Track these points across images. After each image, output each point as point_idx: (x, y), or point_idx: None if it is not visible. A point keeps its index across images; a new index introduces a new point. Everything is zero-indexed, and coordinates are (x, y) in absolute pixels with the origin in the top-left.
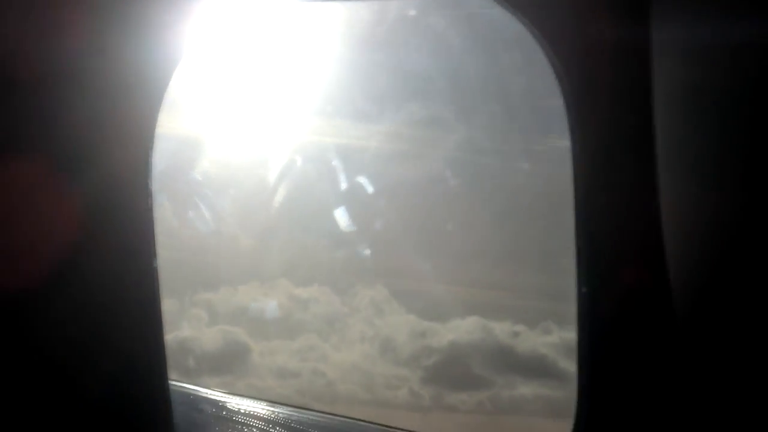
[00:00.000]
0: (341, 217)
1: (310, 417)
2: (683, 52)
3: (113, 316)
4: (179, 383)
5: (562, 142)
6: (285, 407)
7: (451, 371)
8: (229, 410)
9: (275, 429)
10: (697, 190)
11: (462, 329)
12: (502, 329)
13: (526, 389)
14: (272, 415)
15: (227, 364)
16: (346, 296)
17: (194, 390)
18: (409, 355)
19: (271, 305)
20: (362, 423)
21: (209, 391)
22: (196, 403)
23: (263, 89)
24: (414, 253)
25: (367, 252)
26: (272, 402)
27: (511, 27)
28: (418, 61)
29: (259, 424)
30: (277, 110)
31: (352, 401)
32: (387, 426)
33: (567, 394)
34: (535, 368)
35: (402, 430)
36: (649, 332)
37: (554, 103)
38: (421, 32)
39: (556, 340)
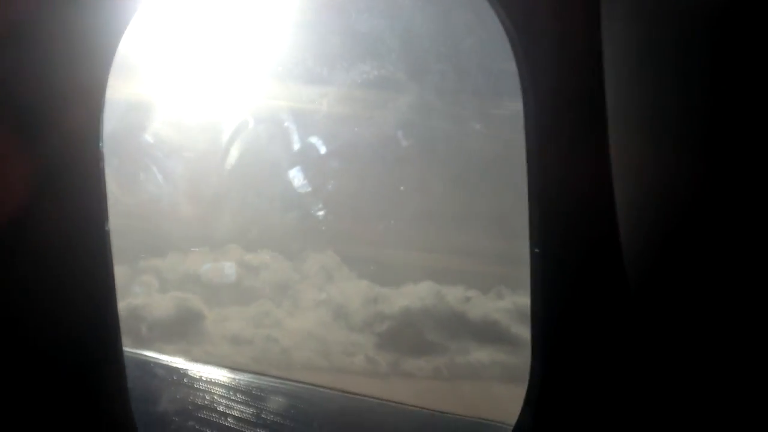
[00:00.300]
0: (292, 180)
1: (271, 383)
2: (633, 11)
3: (65, 280)
4: (135, 350)
5: (515, 105)
6: (245, 374)
7: (405, 337)
8: (189, 377)
9: (235, 395)
10: (648, 150)
11: (414, 295)
12: (454, 294)
13: (481, 355)
14: (232, 382)
15: (180, 331)
16: (297, 261)
17: (153, 357)
18: (362, 321)
19: (222, 271)
20: (322, 389)
21: (168, 358)
22: (152, 370)
23: (214, 51)
24: (366, 217)
25: (319, 216)
26: (232, 368)
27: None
28: (369, 21)
29: (219, 390)
30: (228, 72)
31: (308, 368)
32: (346, 392)
33: (521, 359)
34: (488, 334)
35: (361, 395)
36: (602, 293)
37: (507, 66)
38: None
39: (509, 305)
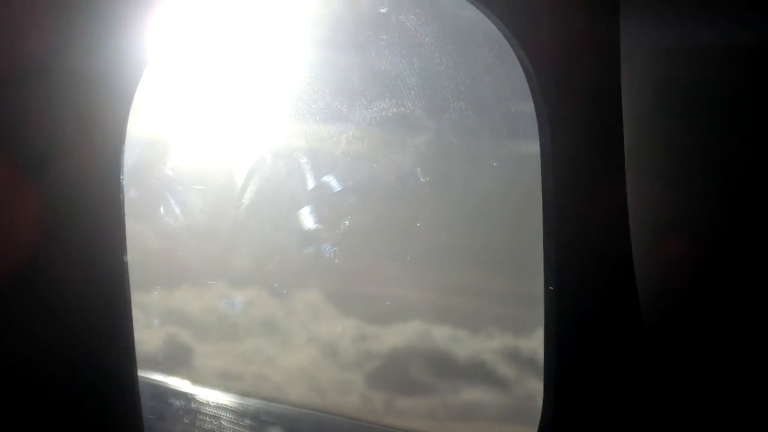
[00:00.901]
0: (309, 215)
1: (281, 409)
2: (651, 50)
3: (83, 312)
4: (146, 375)
5: (532, 144)
6: (254, 399)
7: (395, 377)
8: (198, 402)
9: (244, 421)
10: (665, 189)
11: (403, 334)
12: (443, 334)
13: (472, 395)
14: (241, 408)
15: (169, 366)
16: (298, 297)
17: (162, 382)
18: (352, 359)
19: (210, 306)
20: (333, 417)
21: (177, 382)
22: (164, 396)
23: (234, 87)
24: (381, 254)
25: (331, 252)
26: (242, 394)
27: (483, 26)
28: (388, 59)
29: (228, 416)
30: (247, 108)
31: (304, 405)
32: (358, 420)
33: (511, 400)
34: (476, 374)
35: (373, 423)
36: (616, 331)
37: (524, 106)
38: (392, 30)
39: (497, 345)
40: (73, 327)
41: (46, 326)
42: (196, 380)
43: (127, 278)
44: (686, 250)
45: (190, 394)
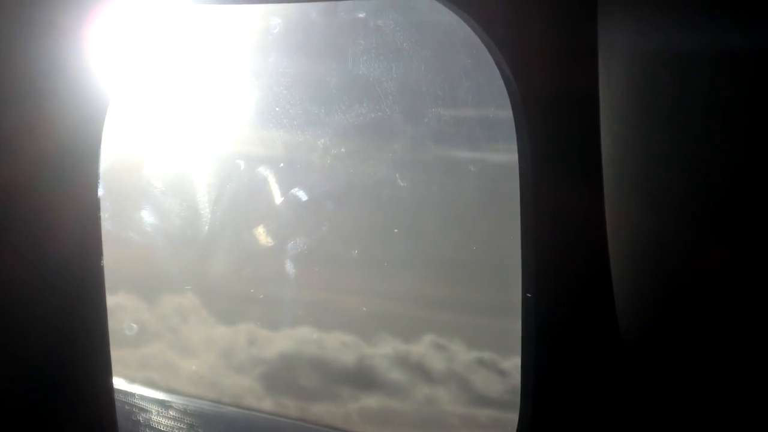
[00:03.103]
0: (285, 219)
1: (258, 417)
2: (629, 57)
3: (59, 315)
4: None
5: (510, 148)
6: (231, 407)
7: (292, 382)
8: (175, 409)
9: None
10: (643, 197)
11: (294, 339)
12: (333, 340)
13: (371, 402)
14: (214, 414)
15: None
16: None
17: (137, 390)
18: (249, 363)
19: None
20: (306, 425)
21: (152, 392)
22: (139, 403)
23: (209, 90)
24: (355, 261)
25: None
26: (216, 402)
27: (461, 31)
28: (366, 64)
29: (196, 422)
30: (223, 112)
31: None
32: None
33: (410, 405)
34: (369, 380)
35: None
36: (593, 337)
37: (502, 112)
38: (370, 35)
39: (389, 351)
40: (49, 329)
41: (25, 329)
42: None
43: (103, 282)
44: (664, 257)
45: (166, 401)
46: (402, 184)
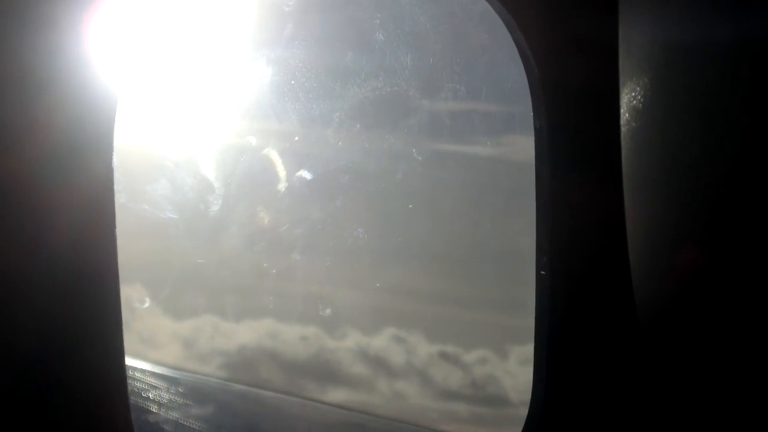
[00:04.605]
0: (298, 195)
1: (268, 396)
2: (650, 51)
3: (70, 303)
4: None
5: (526, 125)
6: (241, 384)
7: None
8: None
9: (229, 406)
10: (662, 194)
11: (256, 331)
12: (292, 333)
13: (338, 395)
14: (223, 392)
15: None
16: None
17: (149, 368)
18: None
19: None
20: (318, 404)
21: (165, 369)
22: (151, 381)
23: (226, 63)
24: (369, 236)
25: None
26: (226, 380)
27: (487, 19)
28: (383, 38)
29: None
30: (239, 87)
31: None
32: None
33: (377, 398)
34: (332, 374)
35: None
36: (611, 334)
37: (520, 87)
38: (387, 8)
39: (351, 344)
40: (61, 315)
41: (39, 324)
42: None
43: (117, 276)
44: (683, 254)
45: (177, 378)
46: (418, 159)
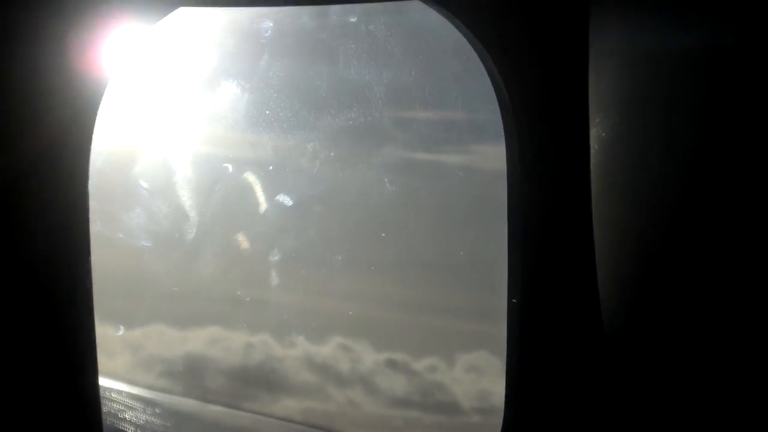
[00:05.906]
0: (274, 222)
1: (249, 417)
2: (620, 59)
3: (45, 315)
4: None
5: (498, 152)
6: (223, 407)
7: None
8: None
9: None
10: (630, 202)
11: (202, 339)
12: (240, 340)
13: (290, 403)
14: (203, 415)
15: None
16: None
17: (125, 389)
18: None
19: None
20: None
21: (143, 391)
22: (127, 402)
23: (199, 93)
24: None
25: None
26: (206, 401)
27: (452, 36)
28: (356, 69)
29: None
30: (213, 115)
31: None
32: None
33: (331, 406)
34: (279, 383)
35: None
36: (579, 342)
37: (492, 116)
38: (361, 39)
39: (299, 353)
40: (36, 328)
41: (12, 327)
42: None
43: (91, 281)
44: (650, 261)
45: (158, 401)
46: (391, 189)
